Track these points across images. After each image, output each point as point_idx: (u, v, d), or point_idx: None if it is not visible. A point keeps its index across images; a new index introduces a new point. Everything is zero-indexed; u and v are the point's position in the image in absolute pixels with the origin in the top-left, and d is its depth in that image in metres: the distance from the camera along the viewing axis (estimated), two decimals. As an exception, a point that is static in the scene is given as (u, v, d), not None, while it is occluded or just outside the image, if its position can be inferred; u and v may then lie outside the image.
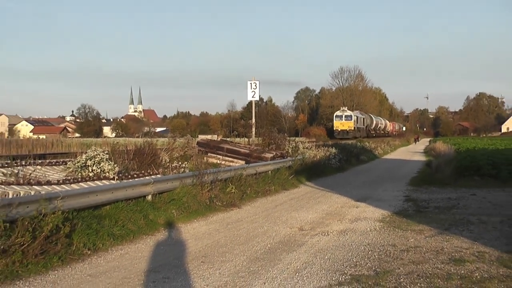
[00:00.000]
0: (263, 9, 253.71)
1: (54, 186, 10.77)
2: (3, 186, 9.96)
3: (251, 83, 40.64)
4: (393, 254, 8.09)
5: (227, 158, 20.66)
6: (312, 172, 21.97)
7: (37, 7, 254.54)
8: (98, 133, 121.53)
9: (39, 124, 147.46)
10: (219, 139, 32.99)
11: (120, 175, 13.12)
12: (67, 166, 14.22)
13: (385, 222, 11.08)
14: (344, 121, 66.54)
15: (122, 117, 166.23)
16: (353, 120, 66.37)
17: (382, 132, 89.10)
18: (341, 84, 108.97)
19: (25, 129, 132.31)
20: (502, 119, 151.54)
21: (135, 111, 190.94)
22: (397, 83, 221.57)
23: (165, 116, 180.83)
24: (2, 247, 6.89)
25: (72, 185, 11.35)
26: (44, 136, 71.90)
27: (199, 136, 50.84)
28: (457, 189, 17.15)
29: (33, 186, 10.45)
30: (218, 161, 20.09)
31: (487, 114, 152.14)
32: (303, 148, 26.59)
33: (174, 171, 14.66)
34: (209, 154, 21.07)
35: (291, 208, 13.17)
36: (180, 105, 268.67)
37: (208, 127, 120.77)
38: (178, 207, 11.50)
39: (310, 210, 12.89)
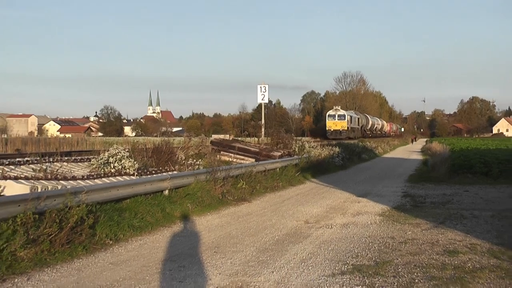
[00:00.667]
0: (272, 21, 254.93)
1: (79, 181, 10.82)
2: (32, 181, 10.02)
3: (261, 87, 40.77)
4: (392, 246, 8.06)
5: (238, 156, 20.67)
6: (317, 169, 21.91)
7: (64, 19, 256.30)
8: (120, 132, 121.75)
9: (65, 124, 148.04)
10: (231, 138, 33.00)
11: (140, 171, 13.16)
12: (91, 162, 14.29)
13: (385, 216, 11.03)
14: (337, 120, 58.49)
15: (142, 118, 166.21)
16: (346, 120, 58.32)
17: (379, 132, 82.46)
18: (344, 88, 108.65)
19: (52, 129, 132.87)
20: (493, 121, 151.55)
21: (153, 112, 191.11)
22: (397, 87, 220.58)
23: (181, 117, 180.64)
24: (32, 236, 6.95)
25: (95, 180, 11.40)
26: (70, 135, 71.95)
27: (213, 135, 50.94)
28: (452, 186, 17.06)
29: (60, 181, 10.51)
30: (230, 159, 20.09)
31: (479, 117, 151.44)
32: (308, 147, 26.53)
33: (189, 168, 14.67)
34: (221, 152, 21.09)
35: (297, 203, 13.15)
36: (195, 106, 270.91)
37: (221, 127, 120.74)
38: (193, 201, 11.52)
39: (315, 204, 12.86)
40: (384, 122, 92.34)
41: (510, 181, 17.60)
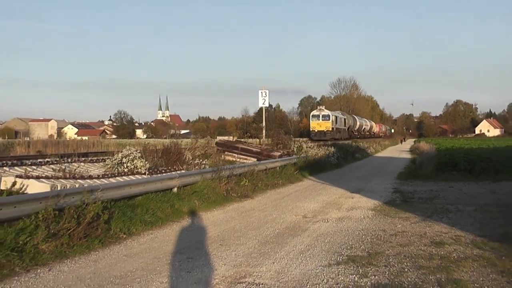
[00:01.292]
0: (272, 34, 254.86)
1: (95, 180, 10.82)
2: (52, 180, 10.03)
3: (261, 92, 40.85)
4: (383, 238, 8.06)
5: (241, 156, 20.65)
6: (314, 168, 21.92)
7: (75, 30, 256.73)
8: (132, 135, 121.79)
9: (82, 127, 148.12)
10: (234, 140, 32.97)
11: (150, 170, 13.16)
12: (106, 163, 14.27)
13: (377, 211, 11.03)
14: (321, 121, 50.79)
15: (152, 121, 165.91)
16: (331, 120, 50.68)
17: (368, 133, 76.07)
18: (338, 92, 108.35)
19: (70, 132, 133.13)
20: (475, 123, 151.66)
21: (163, 116, 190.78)
22: (387, 91, 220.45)
23: (188, 120, 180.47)
24: (52, 231, 6.97)
25: (110, 179, 11.40)
26: (86, 138, 72.34)
27: (217, 137, 50.82)
28: (438, 183, 17.03)
29: (77, 180, 10.51)
30: (234, 159, 20.08)
31: (463, 118, 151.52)
32: (306, 147, 26.55)
33: (196, 167, 14.67)
34: (226, 152, 21.07)
35: (296, 199, 13.15)
36: (201, 110, 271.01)
37: (225, 130, 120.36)
38: (200, 198, 11.53)
39: (312, 200, 12.86)
40: (373, 123, 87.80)
41: (491, 178, 17.59)
